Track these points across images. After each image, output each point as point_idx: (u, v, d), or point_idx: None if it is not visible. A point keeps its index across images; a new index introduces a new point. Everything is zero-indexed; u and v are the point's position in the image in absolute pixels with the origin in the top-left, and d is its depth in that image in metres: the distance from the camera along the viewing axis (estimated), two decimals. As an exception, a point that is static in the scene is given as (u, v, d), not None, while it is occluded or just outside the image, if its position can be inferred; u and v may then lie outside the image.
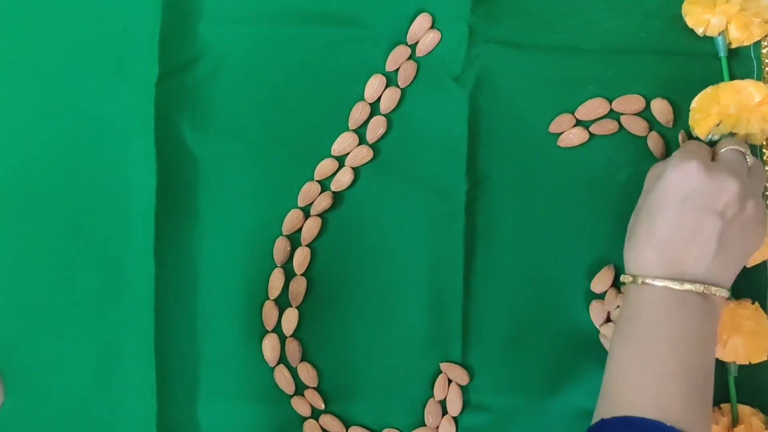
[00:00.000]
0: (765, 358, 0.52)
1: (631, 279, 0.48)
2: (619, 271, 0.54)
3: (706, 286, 0.46)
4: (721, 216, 0.46)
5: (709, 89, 0.53)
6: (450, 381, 0.55)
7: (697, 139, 0.53)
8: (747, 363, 0.52)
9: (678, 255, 0.46)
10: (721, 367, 0.52)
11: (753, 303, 0.52)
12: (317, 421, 0.55)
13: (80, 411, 0.56)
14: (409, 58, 0.56)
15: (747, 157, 0.49)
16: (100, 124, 0.56)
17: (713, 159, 0.49)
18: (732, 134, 0.52)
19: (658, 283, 0.46)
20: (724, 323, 0.52)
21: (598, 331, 0.54)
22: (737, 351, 0.51)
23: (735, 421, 0.52)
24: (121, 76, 0.56)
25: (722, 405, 0.53)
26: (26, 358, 0.56)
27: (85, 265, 0.56)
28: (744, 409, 0.53)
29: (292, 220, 0.56)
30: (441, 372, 0.55)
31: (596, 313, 0.54)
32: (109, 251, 0.56)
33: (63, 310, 0.56)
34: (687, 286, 0.46)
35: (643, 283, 0.47)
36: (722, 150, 0.49)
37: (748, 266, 0.52)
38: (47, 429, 0.56)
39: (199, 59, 0.56)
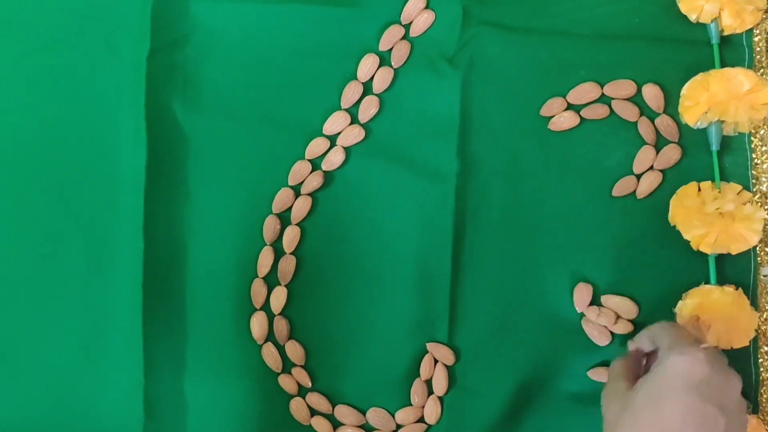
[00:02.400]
0: (747, 344, 0.53)
1: None
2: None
3: None
4: (729, 415, 0.43)
5: (699, 76, 0.54)
6: (436, 361, 0.55)
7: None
8: (729, 348, 0.53)
9: None
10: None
11: (737, 289, 0.53)
12: (304, 399, 0.56)
13: (66, 386, 0.56)
14: (403, 38, 0.56)
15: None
16: (90, 99, 0.56)
17: None
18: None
19: None
20: (707, 308, 0.52)
21: (582, 316, 0.55)
22: (720, 336, 0.52)
23: (716, 405, 0.53)
24: (111, 51, 0.56)
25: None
26: (11, 333, 0.56)
27: (73, 240, 0.56)
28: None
29: (282, 198, 0.56)
30: (427, 352, 0.55)
31: (580, 297, 0.55)
32: (97, 227, 0.56)
33: (50, 285, 0.56)
34: None
35: None
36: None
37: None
38: (32, 405, 0.56)
39: (190, 35, 0.56)
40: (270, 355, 0.56)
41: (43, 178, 0.56)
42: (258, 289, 0.56)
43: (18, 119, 0.56)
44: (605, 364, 0.54)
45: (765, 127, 0.55)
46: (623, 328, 0.54)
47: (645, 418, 0.44)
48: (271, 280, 0.56)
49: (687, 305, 0.53)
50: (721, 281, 0.54)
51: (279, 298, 0.56)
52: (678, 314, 0.53)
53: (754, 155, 0.55)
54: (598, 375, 0.54)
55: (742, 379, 0.52)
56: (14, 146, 0.56)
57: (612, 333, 0.54)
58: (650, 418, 0.44)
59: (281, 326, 0.56)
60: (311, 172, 0.56)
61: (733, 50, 0.55)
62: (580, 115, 0.55)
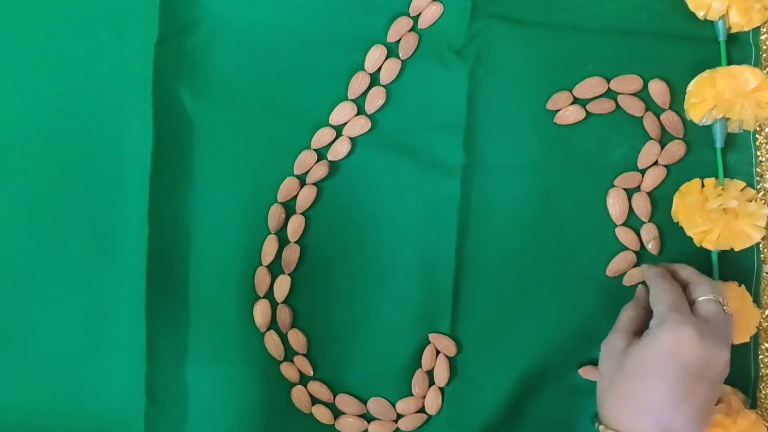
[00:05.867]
0: (748, 339, 0.53)
1: None
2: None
3: None
4: (712, 383, 0.46)
5: (705, 73, 0.54)
6: (438, 352, 0.56)
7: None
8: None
9: (669, 420, 0.45)
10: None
11: (739, 285, 0.53)
12: (305, 387, 0.56)
13: (68, 371, 0.56)
14: (411, 29, 0.56)
15: (724, 307, 0.48)
16: (97, 85, 0.56)
17: (691, 304, 0.48)
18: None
19: None
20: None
21: (586, 311, 0.55)
22: (721, 332, 0.52)
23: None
24: (119, 37, 0.56)
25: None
26: (15, 318, 0.56)
27: (78, 225, 0.56)
28: (725, 389, 0.53)
29: (287, 187, 0.56)
30: (429, 343, 0.56)
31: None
32: (102, 213, 0.56)
33: (54, 270, 0.56)
34: None
35: None
36: (700, 299, 0.48)
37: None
38: (35, 389, 0.56)
39: (198, 23, 0.56)
40: (272, 343, 0.56)
41: (50, 163, 0.56)
42: (262, 277, 0.56)
43: (25, 104, 0.56)
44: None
45: (770, 125, 0.55)
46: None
47: (630, 389, 0.46)
48: (274, 269, 0.56)
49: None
50: (724, 277, 0.54)
51: (282, 286, 0.56)
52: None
53: (758, 153, 0.55)
54: (587, 373, 0.54)
55: (741, 375, 0.53)
56: (21, 131, 0.56)
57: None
58: (635, 390, 0.46)
59: (284, 314, 0.56)
60: (317, 162, 0.56)
61: (739, 48, 0.55)
62: (586, 110, 0.55)
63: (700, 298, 0.48)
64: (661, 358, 0.45)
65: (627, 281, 0.55)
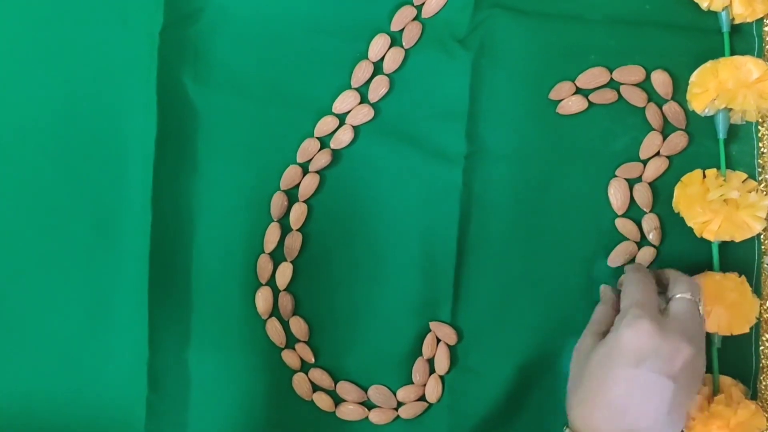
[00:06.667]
0: (747, 330, 0.53)
1: None
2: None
3: None
4: (674, 380, 0.44)
5: (708, 64, 0.54)
6: (439, 340, 0.56)
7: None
8: (729, 334, 0.53)
9: (633, 418, 0.44)
10: (705, 338, 0.53)
11: (740, 276, 0.53)
12: (306, 374, 0.56)
13: (71, 357, 0.56)
14: (415, 18, 0.56)
15: (699, 306, 0.48)
16: (101, 72, 0.56)
17: (666, 305, 0.48)
18: (678, 281, 0.50)
19: None
20: (709, 294, 0.53)
21: (587, 301, 0.55)
22: (720, 322, 0.52)
23: (716, 391, 0.53)
24: (124, 25, 0.56)
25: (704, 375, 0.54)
26: (18, 303, 0.56)
27: (82, 211, 0.56)
28: (725, 380, 0.54)
29: (290, 175, 0.56)
30: (430, 331, 0.56)
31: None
32: (106, 199, 0.56)
33: (57, 256, 0.56)
34: None
35: None
36: (675, 297, 0.48)
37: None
38: (38, 376, 0.56)
39: (203, 10, 0.56)
40: (274, 330, 0.56)
41: (53, 150, 0.56)
42: (264, 264, 0.56)
43: (30, 92, 0.56)
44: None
45: (773, 116, 0.55)
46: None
47: (592, 389, 0.46)
48: (277, 256, 0.56)
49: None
50: (724, 268, 0.54)
51: (284, 273, 0.56)
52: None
53: (760, 144, 0.55)
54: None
55: (742, 366, 0.53)
56: (25, 119, 0.56)
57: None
58: (598, 388, 0.45)
59: (286, 302, 0.56)
60: (320, 150, 0.56)
61: (742, 39, 0.55)
62: (588, 100, 0.55)
63: (676, 296, 0.48)
64: (620, 353, 0.45)
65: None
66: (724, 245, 0.54)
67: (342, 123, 0.56)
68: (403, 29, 0.56)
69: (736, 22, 0.55)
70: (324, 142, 0.57)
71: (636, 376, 0.44)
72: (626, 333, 0.45)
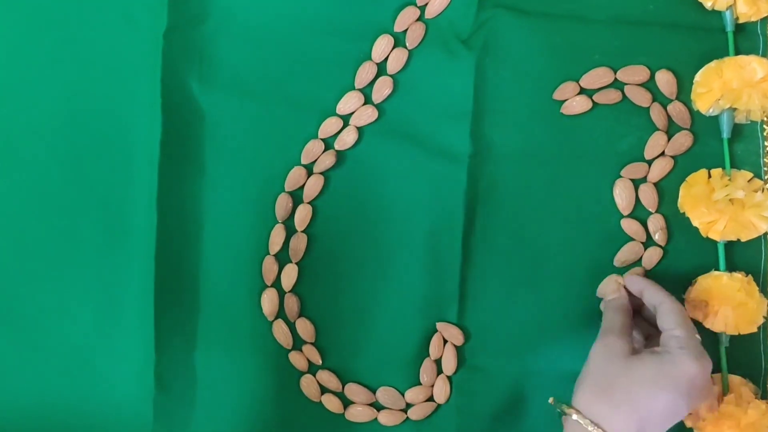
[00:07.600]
0: (755, 330, 0.53)
1: (589, 423, 0.47)
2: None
3: None
4: (689, 401, 0.47)
5: (713, 63, 0.54)
6: (446, 341, 0.56)
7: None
8: (736, 333, 0.53)
9: (650, 428, 0.46)
10: (713, 337, 0.53)
11: (746, 276, 0.53)
12: (314, 376, 0.56)
13: (78, 359, 0.56)
14: (418, 19, 0.56)
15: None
16: (106, 73, 0.56)
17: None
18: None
19: None
20: (715, 294, 0.53)
21: (593, 300, 0.55)
22: (727, 321, 0.52)
23: (725, 391, 0.53)
24: (129, 26, 0.56)
25: (713, 375, 0.53)
26: (26, 305, 0.56)
27: (87, 213, 0.56)
28: (734, 379, 0.54)
29: (294, 177, 0.56)
30: (437, 331, 0.56)
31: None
32: (112, 200, 0.56)
33: (64, 257, 0.56)
34: None
35: None
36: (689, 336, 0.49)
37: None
38: (45, 376, 0.56)
39: (207, 12, 0.56)
40: (281, 331, 0.56)
41: (59, 151, 0.56)
42: (269, 266, 0.56)
43: (36, 92, 0.56)
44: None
45: (777, 115, 0.55)
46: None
47: (623, 386, 0.47)
48: (282, 258, 0.56)
49: (696, 291, 0.53)
50: (731, 268, 0.54)
51: (290, 275, 0.56)
52: (687, 299, 0.53)
53: (766, 143, 0.55)
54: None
55: (752, 366, 0.54)
56: (31, 120, 0.56)
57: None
58: (631, 390, 0.47)
59: (292, 303, 0.56)
60: (324, 151, 0.56)
61: (747, 38, 0.55)
62: (592, 100, 0.55)
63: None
64: (677, 379, 0.46)
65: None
66: (730, 245, 0.54)
67: (346, 124, 0.56)
68: (406, 30, 0.56)
69: (741, 21, 0.55)
70: (328, 144, 0.57)
71: (677, 405, 0.46)
72: (693, 365, 0.47)
